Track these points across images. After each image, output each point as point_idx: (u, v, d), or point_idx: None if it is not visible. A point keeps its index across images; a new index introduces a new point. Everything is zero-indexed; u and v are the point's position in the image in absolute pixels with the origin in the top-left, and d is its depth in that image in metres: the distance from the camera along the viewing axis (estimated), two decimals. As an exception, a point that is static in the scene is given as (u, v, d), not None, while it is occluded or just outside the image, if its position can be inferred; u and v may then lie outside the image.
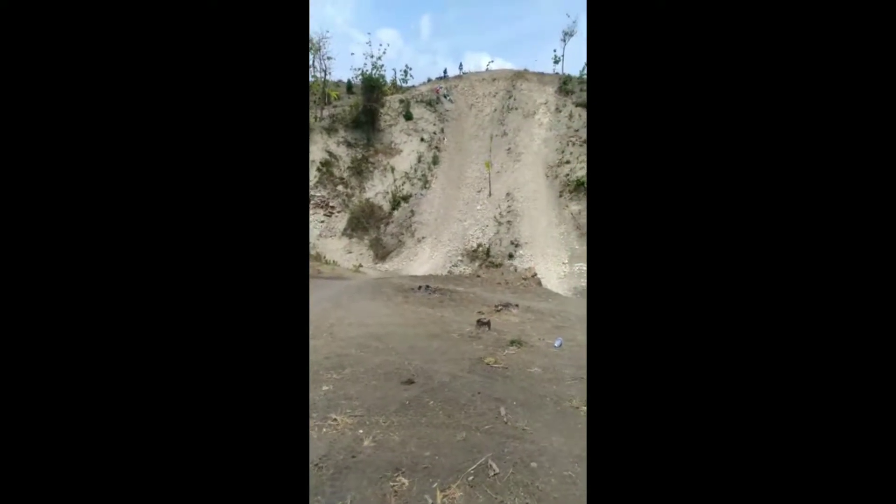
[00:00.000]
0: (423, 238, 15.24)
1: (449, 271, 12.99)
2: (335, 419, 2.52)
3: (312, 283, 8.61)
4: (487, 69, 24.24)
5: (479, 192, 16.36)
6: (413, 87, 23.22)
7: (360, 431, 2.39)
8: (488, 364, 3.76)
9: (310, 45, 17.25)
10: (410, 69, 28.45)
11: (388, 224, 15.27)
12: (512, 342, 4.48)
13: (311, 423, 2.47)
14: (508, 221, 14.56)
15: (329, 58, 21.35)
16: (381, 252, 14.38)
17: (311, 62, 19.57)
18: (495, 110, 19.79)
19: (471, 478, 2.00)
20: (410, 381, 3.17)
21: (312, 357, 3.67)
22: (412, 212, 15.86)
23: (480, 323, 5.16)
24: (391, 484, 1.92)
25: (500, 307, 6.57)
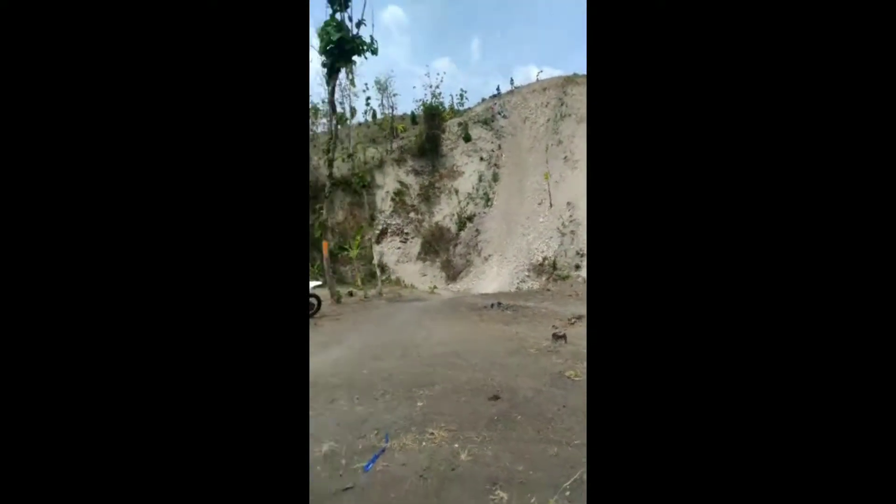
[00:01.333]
0: (489, 256, 15.31)
1: (517, 287, 12.87)
2: (432, 433, 2.72)
3: (395, 306, 9.10)
4: (537, 79, 23.96)
5: (539, 204, 16.11)
6: (469, 109, 23.73)
7: (456, 445, 2.54)
8: (569, 377, 3.75)
9: (377, 84, 18.57)
10: (465, 92, 29.25)
11: (456, 245, 15.64)
12: (594, 358, 4.39)
13: (411, 436, 2.70)
14: (572, 231, 14.12)
15: (395, 94, 22.67)
16: (452, 273, 14.72)
17: (379, 101, 20.90)
18: (548, 120, 19.52)
19: (567, 493, 2.05)
20: (496, 397, 3.29)
21: (404, 376, 3.96)
22: (477, 231, 16.08)
23: (556, 336, 5.12)
24: (491, 497, 2.02)
25: (573, 320, 6.43)
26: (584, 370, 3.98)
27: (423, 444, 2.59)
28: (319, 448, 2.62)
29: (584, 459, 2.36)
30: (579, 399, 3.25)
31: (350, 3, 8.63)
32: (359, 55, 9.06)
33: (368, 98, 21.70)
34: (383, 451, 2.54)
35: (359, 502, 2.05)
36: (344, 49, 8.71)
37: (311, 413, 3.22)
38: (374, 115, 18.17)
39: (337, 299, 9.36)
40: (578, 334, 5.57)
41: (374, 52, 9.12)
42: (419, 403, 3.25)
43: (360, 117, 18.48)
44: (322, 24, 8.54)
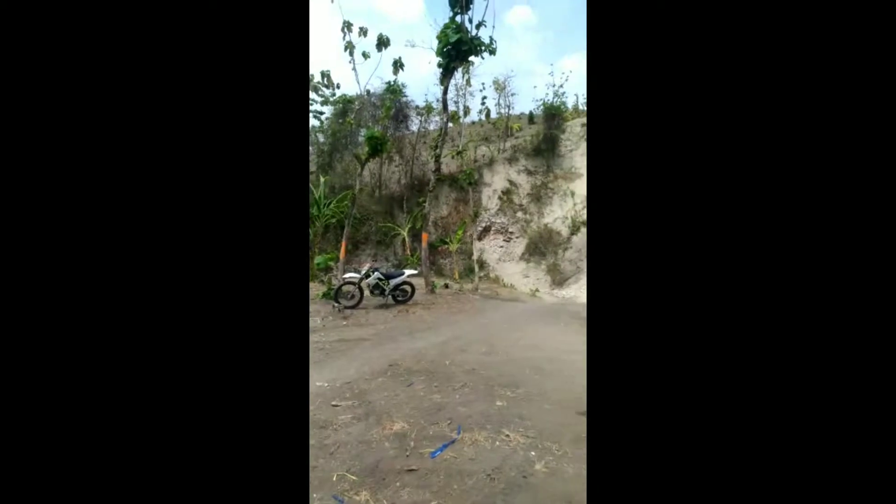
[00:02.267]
0: (605, 264, 14.09)
1: (636, 302, 11.51)
2: (508, 435, 2.53)
3: (491, 303, 9.01)
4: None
5: (675, 212, 14.17)
6: (595, 108, 22.29)
7: (533, 454, 2.33)
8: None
9: (495, 84, 18.66)
10: (593, 91, 27.46)
11: (566, 250, 14.80)
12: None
13: (485, 433, 2.55)
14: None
15: (512, 94, 22.55)
16: (559, 278, 13.97)
17: (496, 100, 21.10)
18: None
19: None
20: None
21: (488, 373, 3.82)
22: (593, 236, 14.95)
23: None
24: (563, 517, 1.80)
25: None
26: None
27: (497, 444, 2.44)
28: (391, 426, 2.66)
29: None
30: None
31: (472, 5, 8.79)
32: (476, 55, 9.19)
33: (484, 97, 21.95)
34: (453, 441, 2.46)
35: (420, 485, 2.00)
36: (461, 50, 8.89)
37: (385, 393, 3.33)
38: (488, 114, 18.30)
39: (431, 289, 9.63)
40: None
41: (493, 52, 9.15)
42: (499, 403, 3.08)
43: (473, 116, 18.81)
44: (442, 27, 8.89)
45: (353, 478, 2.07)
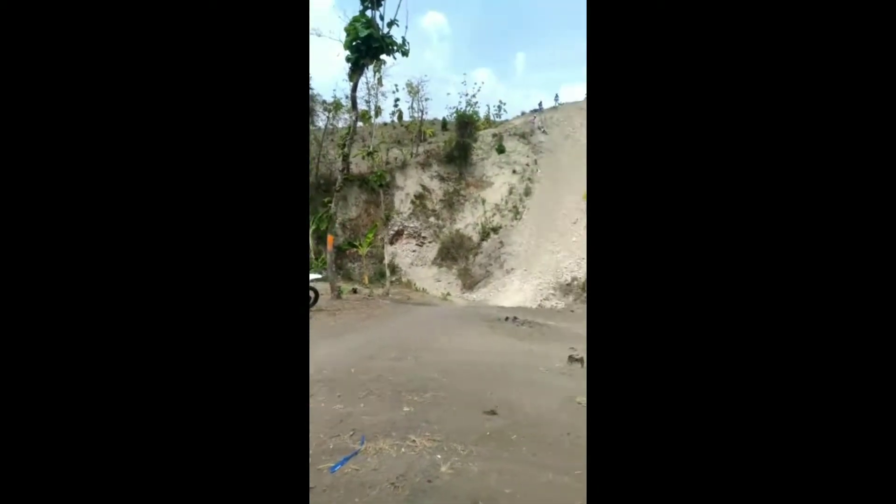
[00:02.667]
0: (512, 269, 15.02)
1: (539, 304, 12.47)
2: (414, 440, 2.47)
3: (402, 308, 8.93)
4: (586, 97, 23.74)
5: (574, 223, 15.70)
6: (506, 121, 23.77)
7: (438, 457, 2.30)
8: (580, 403, 3.40)
9: (408, 87, 18.75)
10: (504, 104, 29.06)
11: (476, 255, 15.41)
12: (608, 381, 4.02)
13: (390, 441, 2.45)
14: (605, 253, 13.63)
15: (426, 99, 22.67)
16: (469, 282, 14.48)
17: (409, 103, 21.15)
18: (591, 139, 19.20)
19: (556, 527, 1.76)
20: (493, 413, 3.00)
21: (396, 378, 3.72)
22: (501, 243, 15.83)
23: (572, 359, 4.75)
24: (467, 518, 1.78)
25: (594, 343, 5.99)
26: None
27: (402, 450, 2.35)
28: (285, 442, 2.42)
29: (583, 491, 2.04)
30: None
31: (383, 2, 8.67)
32: (388, 54, 9.06)
33: (397, 99, 21.70)
34: (356, 453, 2.31)
35: (315, 505, 1.82)
36: (371, 46, 8.67)
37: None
38: (401, 117, 18.34)
39: (338, 294, 9.22)
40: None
41: (405, 53, 9.12)
42: (406, 409, 3.00)
43: (386, 118, 18.65)
44: (351, 19, 8.60)
45: None
